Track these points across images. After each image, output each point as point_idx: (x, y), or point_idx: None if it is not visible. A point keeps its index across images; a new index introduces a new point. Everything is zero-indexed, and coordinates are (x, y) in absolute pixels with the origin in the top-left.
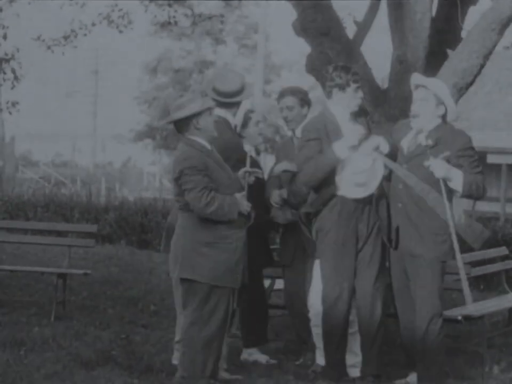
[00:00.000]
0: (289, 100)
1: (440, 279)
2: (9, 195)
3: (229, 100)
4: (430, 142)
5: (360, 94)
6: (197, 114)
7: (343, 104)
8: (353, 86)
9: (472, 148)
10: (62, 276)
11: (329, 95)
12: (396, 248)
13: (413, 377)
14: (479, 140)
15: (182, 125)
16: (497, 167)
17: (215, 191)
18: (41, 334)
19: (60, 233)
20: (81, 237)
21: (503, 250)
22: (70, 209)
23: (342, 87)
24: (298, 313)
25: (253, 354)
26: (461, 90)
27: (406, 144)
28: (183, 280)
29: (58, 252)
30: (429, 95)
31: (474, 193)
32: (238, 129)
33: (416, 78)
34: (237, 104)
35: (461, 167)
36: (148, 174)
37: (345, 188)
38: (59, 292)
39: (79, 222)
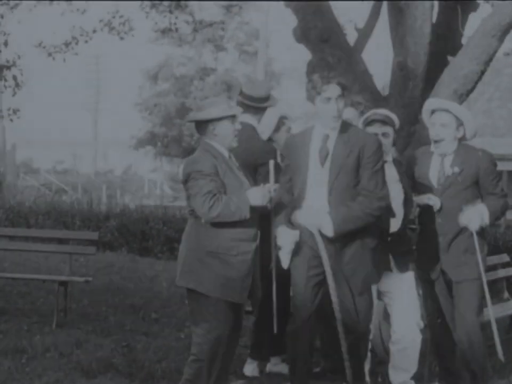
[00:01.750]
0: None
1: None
2: (11, 202)
3: (256, 104)
4: (456, 170)
5: None
6: (215, 120)
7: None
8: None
9: (495, 166)
10: (63, 283)
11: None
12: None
13: None
14: (480, 147)
15: (200, 127)
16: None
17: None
18: (43, 341)
19: (61, 241)
20: (83, 245)
21: (504, 257)
22: (71, 216)
23: None
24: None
25: (277, 365)
26: (461, 97)
27: (435, 177)
28: (187, 289)
29: (59, 259)
30: (451, 119)
31: (500, 218)
32: (270, 133)
33: (435, 102)
34: (263, 110)
35: (484, 189)
36: (149, 181)
37: None
38: (60, 300)
39: (80, 230)
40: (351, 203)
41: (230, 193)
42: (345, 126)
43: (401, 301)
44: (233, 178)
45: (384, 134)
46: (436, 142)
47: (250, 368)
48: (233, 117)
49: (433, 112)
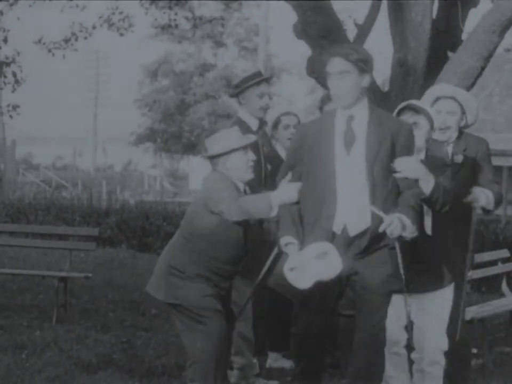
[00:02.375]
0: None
1: None
2: (10, 198)
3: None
4: (459, 159)
5: None
6: (225, 154)
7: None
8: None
9: (489, 154)
10: (63, 279)
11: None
12: None
13: None
14: None
15: (213, 162)
16: (498, 170)
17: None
18: (43, 337)
19: (61, 237)
20: (82, 241)
21: (505, 253)
22: (71, 212)
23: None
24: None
25: (278, 360)
26: None
27: None
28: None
29: (59, 255)
30: (457, 106)
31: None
32: (269, 131)
33: (440, 89)
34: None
35: (485, 175)
36: (149, 177)
37: None
38: (60, 296)
39: (80, 226)
40: (408, 198)
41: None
42: (373, 108)
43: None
44: None
45: (414, 124)
46: (441, 129)
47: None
48: (245, 148)
49: (437, 99)
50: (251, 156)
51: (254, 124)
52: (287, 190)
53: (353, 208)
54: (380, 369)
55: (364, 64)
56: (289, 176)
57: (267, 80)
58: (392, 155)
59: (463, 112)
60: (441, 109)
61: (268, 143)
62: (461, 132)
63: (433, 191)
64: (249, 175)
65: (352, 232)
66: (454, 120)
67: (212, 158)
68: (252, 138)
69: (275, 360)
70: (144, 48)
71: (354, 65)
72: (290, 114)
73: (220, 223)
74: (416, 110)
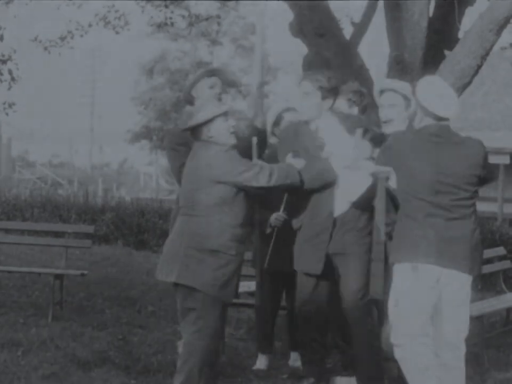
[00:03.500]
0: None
1: None
2: (6, 196)
3: None
4: None
5: None
6: (207, 122)
7: None
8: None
9: None
10: (59, 276)
11: None
12: None
13: None
14: None
15: (196, 134)
16: (494, 168)
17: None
18: (39, 334)
19: (56, 234)
20: (78, 238)
21: (501, 251)
22: (67, 210)
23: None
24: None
25: (297, 360)
26: (458, 91)
27: None
28: (181, 286)
29: (55, 252)
30: (398, 98)
31: None
32: (269, 127)
33: (382, 83)
34: None
35: None
36: (145, 174)
37: None
38: (56, 293)
39: (76, 223)
40: None
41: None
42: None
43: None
44: None
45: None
46: (384, 122)
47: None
48: (225, 114)
49: (382, 93)
50: (231, 122)
51: None
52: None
53: None
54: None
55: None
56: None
57: (218, 73)
58: None
59: (409, 104)
60: (384, 103)
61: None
62: (411, 125)
63: None
64: (232, 140)
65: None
66: (396, 112)
67: (194, 128)
68: (229, 105)
69: (295, 360)
70: (140, 46)
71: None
72: (291, 110)
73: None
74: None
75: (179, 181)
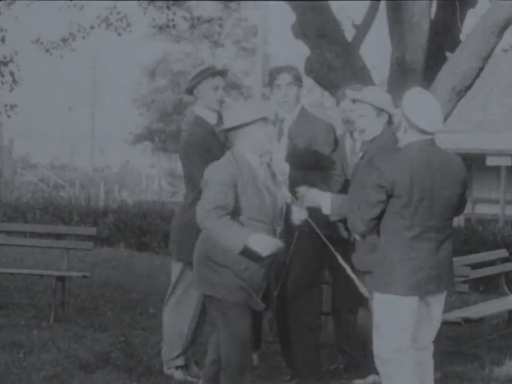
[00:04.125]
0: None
1: None
2: (8, 198)
3: None
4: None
5: None
6: (247, 124)
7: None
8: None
9: None
10: (60, 278)
11: None
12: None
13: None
14: (478, 142)
15: (230, 134)
16: (496, 169)
17: (237, 215)
18: (40, 336)
19: (58, 236)
20: (80, 240)
21: (503, 253)
22: (69, 212)
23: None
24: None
25: None
26: (459, 93)
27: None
28: (206, 296)
29: (57, 254)
30: (366, 108)
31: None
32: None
33: (350, 93)
34: None
35: None
36: (147, 176)
37: None
38: (58, 295)
39: (77, 225)
40: None
41: (251, 211)
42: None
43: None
44: (252, 194)
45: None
46: (360, 131)
47: None
48: (265, 119)
49: (354, 102)
50: (270, 129)
51: (212, 118)
52: (253, 239)
53: None
54: None
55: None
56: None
57: (222, 74)
58: None
59: (382, 110)
60: (356, 113)
61: None
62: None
63: None
64: (270, 146)
65: None
66: (367, 122)
67: (231, 130)
68: (273, 110)
69: None
70: (142, 48)
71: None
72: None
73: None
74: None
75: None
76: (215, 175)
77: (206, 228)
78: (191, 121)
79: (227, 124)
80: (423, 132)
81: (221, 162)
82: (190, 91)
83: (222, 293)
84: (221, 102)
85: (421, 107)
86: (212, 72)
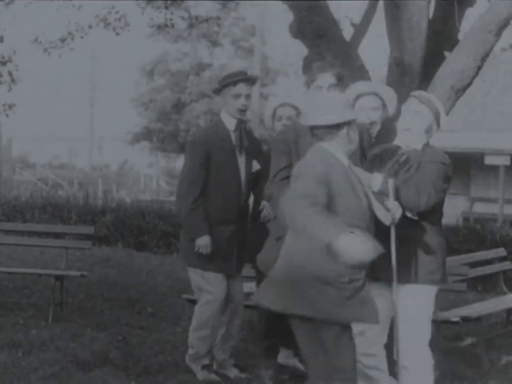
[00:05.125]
0: None
1: None
2: (7, 197)
3: None
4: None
5: None
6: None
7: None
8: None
9: None
10: (59, 277)
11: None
12: None
13: None
14: (477, 141)
15: (320, 132)
16: (494, 169)
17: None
18: (39, 335)
19: (57, 235)
20: (79, 239)
21: (501, 252)
22: (67, 211)
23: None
24: None
25: (289, 358)
26: (458, 92)
27: None
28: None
29: (55, 253)
30: (378, 102)
31: None
32: (267, 122)
33: (361, 86)
34: None
35: None
36: (145, 176)
37: None
38: (56, 294)
39: (76, 224)
40: None
41: (342, 212)
42: None
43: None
44: (348, 195)
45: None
46: (370, 124)
47: None
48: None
49: (358, 96)
50: (355, 134)
51: (231, 124)
52: (347, 242)
53: None
54: None
55: None
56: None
57: (247, 81)
58: None
59: (384, 106)
60: (365, 106)
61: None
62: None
63: None
64: (354, 146)
65: None
66: (377, 115)
67: (335, 127)
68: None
69: (286, 357)
70: (140, 47)
71: None
72: (286, 105)
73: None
74: (420, 100)
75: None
76: (309, 167)
77: (297, 218)
78: (214, 121)
79: (322, 120)
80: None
81: (314, 157)
82: (217, 93)
83: (327, 312)
84: (242, 111)
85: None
86: (233, 81)
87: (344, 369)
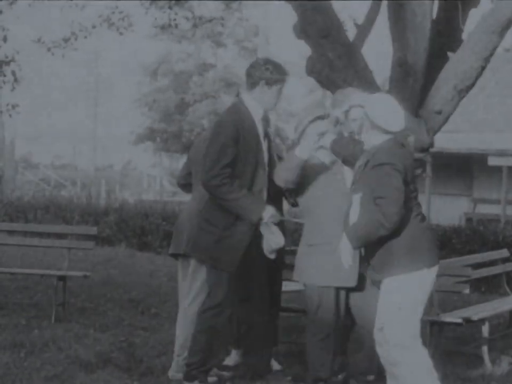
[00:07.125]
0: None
1: None
2: (9, 197)
3: None
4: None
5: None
6: None
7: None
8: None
9: None
10: (61, 278)
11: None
12: None
13: None
14: (480, 142)
15: None
16: (498, 169)
17: None
18: (41, 336)
19: (59, 236)
20: (81, 239)
21: (504, 253)
22: (70, 211)
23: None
24: None
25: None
26: (461, 93)
27: None
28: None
29: (58, 254)
30: (360, 113)
31: None
32: (296, 135)
33: (353, 98)
34: None
35: None
36: (149, 176)
37: None
38: (59, 294)
39: (79, 224)
40: None
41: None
42: None
43: None
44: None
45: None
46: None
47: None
48: None
49: (350, 108)
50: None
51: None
52: None
53: None
54: None
55: None
56: None
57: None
58: None
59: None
60: (350, 117)
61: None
62: None
63: None
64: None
65: None
66: (356, 125)
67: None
68: None
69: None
70: (143, 47)
71: None
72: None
73: None
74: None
75: None
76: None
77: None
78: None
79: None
80: (386, 132)
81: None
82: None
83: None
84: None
85: (385, 110)
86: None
87: None
